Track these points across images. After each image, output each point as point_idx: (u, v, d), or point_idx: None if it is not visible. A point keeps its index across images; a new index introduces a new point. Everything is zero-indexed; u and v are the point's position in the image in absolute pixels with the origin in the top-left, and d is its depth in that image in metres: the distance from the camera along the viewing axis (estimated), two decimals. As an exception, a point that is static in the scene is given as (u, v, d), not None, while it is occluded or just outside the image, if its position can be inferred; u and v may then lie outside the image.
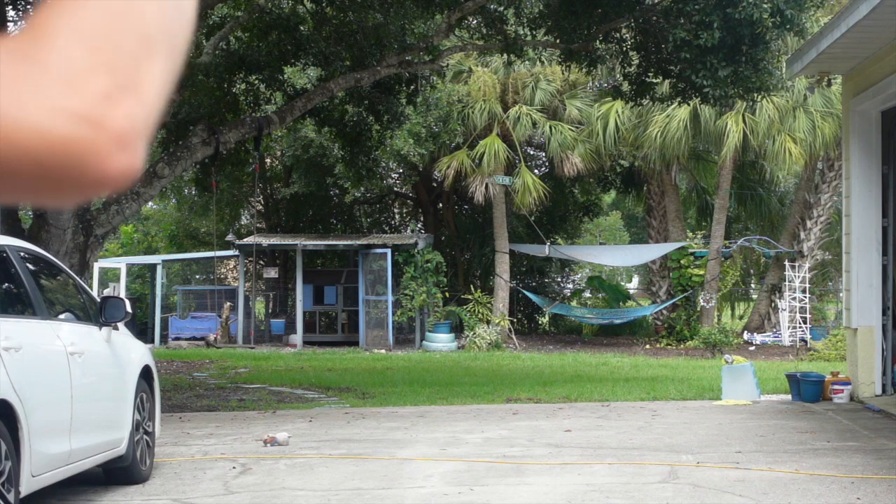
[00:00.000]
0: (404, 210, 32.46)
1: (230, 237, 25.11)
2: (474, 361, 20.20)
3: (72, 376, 6.64)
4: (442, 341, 23.16)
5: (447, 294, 24.69)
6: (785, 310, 23.98)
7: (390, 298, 23.05)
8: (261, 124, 13.22)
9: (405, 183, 29.02)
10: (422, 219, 29.95)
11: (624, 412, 11.85)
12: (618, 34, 14.34)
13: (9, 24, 13.92)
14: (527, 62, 22.95)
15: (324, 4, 14.69)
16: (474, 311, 24.24)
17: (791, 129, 22.49)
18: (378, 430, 10.50)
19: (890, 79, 11.02)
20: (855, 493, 7.15)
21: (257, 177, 21.42)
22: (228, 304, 24.96)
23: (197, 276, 31.19)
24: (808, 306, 23.68)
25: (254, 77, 15.16)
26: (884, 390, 12.17)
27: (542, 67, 24.09)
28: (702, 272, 24.08)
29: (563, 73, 22.12)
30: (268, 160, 27.44)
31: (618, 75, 17.83)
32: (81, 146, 0.67)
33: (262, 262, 27.05)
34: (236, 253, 24.96)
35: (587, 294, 30.56)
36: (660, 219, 25.95)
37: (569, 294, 30.32)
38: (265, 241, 24.63)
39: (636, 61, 14.44)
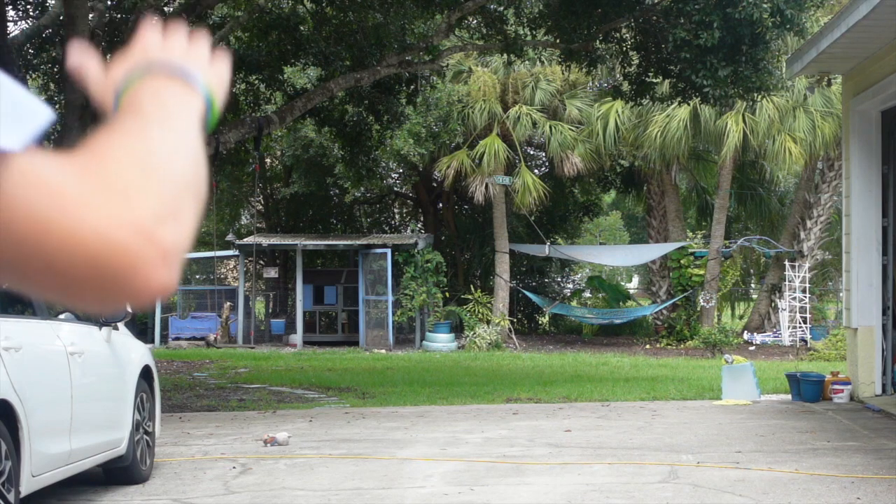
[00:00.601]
0: (404, 210, 32.47)
1: (230, 237, 25.12)
2: (474, 361, 20.20)
3: (72, 376, 6.65)
4: (442, 341, 23.17)
5: (447, 294, 24.69)
6: (785, 310, 23.98)
7: (390, 298, 23.05)
8: (261, 124, 13.22)
9: (405, 183, 29.02)
10: (422, 219, 29.95)
11: (624, 412, 11.85)
12: (618, 34, 14.34)
13: (9, 23, 13.92)
14: (527, 62, 22.96)
15: (324, 4, 14.69)
16: (474, 311, 24.24)
17: (791, 129, 22.49)
18: (378, 429, 10.50)
19: (890, 79, 11.02)
20: (855, 492, 7.15)
21: (257, 177, 21.45)
22: (228, 304, 24.96)
23: (197, 276, 31.19)
24: (808, 306, 23.68)
25: (254, 77, 15.17)
26: (884, 390, 12.17)
27: (542, 67, 24.10)
28: (702, 272, 24.08)
29: (563, 73, 22.12)
30: (268, 160, 27.44)
31: (618, 75, 17.84)
32: (134, 255, 0.74)
33: (262, 262, 27.05)
34: (236, 253, 24.96)
35: (587, 294, 30.56)
36: (660, 219, 25.95)
37: (569, 294, 30.32)
38: (265, 240, 24.64)
39: (636, 61, 14.45)
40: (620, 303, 27.99)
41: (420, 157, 22.85)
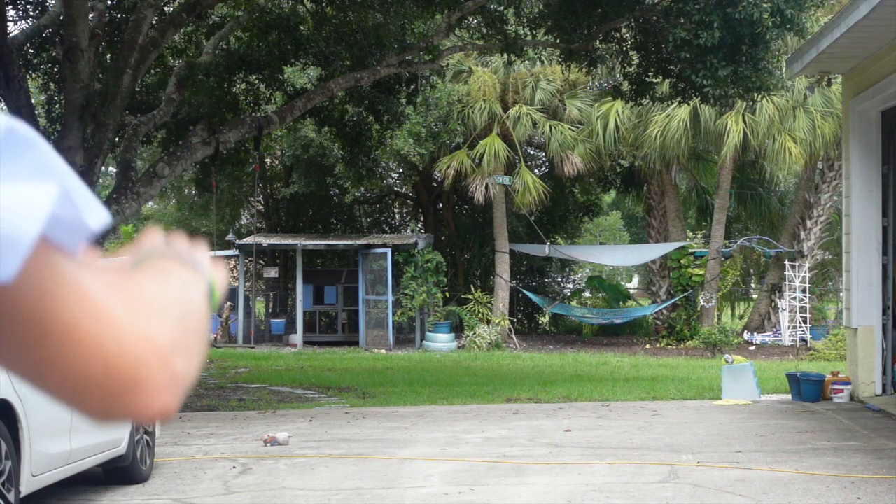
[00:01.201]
0: (404, 210, 32.47)
1: (230, 237, 25.12)
2: (474, 361, 20.20)
3: (72, 376, 6.63)
4: (442, 341, 23.17)
5: (447, 294, 24.69)
6: (785, 309, 23.98)
7: (390, 298, 23.06)
8: (261, 124, 13.22)
9: (405, 183, 29.02)
10: (422, 219, 29.95)
11: (624, 412, 11.85)
12: (618, 34, 14.34)
13: (9, 23, 13.92)
14: (527, 62, 22.95)
15: (324, 4, 14.69)
16: (474, 310, 24.24)
17: (791, 129, 22.49)
18: (378, 429, 10.50)
19: (890, 78, 11.02)
20: (855, 492, 7.15)
21: (257, 176, 21.44)
22: (228, 303, 24.97)
23: (197, 276, 31.18)
24: (808, 306, 23.68)
25: (254, 77, 15.16)
26: (884, 390, 12.17)
27: (542, 67, 24.09)
28: (702, 272, 24.09)
29: (563, 73, 22.11)
30: (268, 160, 27.44)
31: (618, 75, 17.83)
32: (146, 370, 0.78)
33: (262, 262, 27.05)
34: (236, 253, 24.96)
35: (587, 294, 30.56)
36: (660, 219, 25.95)
37: (569, 294, 30.32)
38: (265, 240, 24.64)
39: (636, 61, 14.44)
40: (620, 303, 27.99)
41: (420, 157, 22.84)
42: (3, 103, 15.92)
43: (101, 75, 12.48)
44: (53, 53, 14.60)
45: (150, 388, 0.78)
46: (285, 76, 16.21)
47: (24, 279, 0.73)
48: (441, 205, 28.94)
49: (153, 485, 7.75)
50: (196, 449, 9.35)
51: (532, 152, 28.08)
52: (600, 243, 36.61)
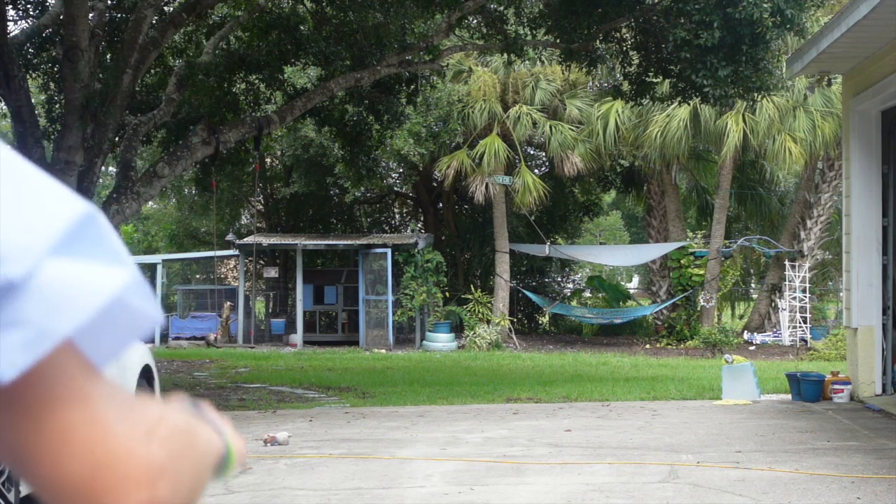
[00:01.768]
0: (404, 210, 32.47)
1: (230, 237, 25.12)
2: (474, 361, 20.20)
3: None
4: (442, 341, 23.17)
5: (447, 294, 24.69)
6: (785, 309, 23.98)
7: (390, 298, 23.06)
8: (261, 124, 13.22)
9: (405, 183, 29.02)
10: (422, 218, 29.95)
11: (624, 412, 11.85)
12: (618, 34, 14.34)
13: (9, 23, 13.91)
14: (527, 62, 22.96)
15: (324, 4, 14.69)
16: (474, 310, 24.24)
17: (791, 129, 22.49)
18: (378, 429, 10.50)
19: (890, 78, 11.02)
20: (855, 492, 7.15)
21: (257, 176, 21.44)
22: (228, 303, 24.97)
23: (197, 276, 31.20)
24: (808, 306, 23.68)
25: (254, 77, 15.16)
26: (884, 390, 12.17)
27: (542, 67, 24.10)
28: (702, 272, 24.09)
29: (563, 73, 22.13)
30: (268, 160, 27.44)
31: (618, 75, 17.84)
32: (130, 484, 0.76)
33: (262, 262, 27.06)
34: (236, 252, 24.97)
35: (587, 294, 30.57)
36: (660, 218, 25.96)
37: (569, 294, 30.33)
38: (265, 240, 24.64)
39: (636, 61, 14.45)
40: (620, 303, 28.00)
41: (420, 156, 22.85)
42: (3, 103, 15.92)
43: (101, 75, 12.48)
44: (53, 53, 14.61)
45: (124, 497, 0.76)
46: (285, 76, 16.22)
47: (31, 378, 0.72)
48: (441, 205, 28.94)
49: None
50: (196, 449, 9.34)
51: (532, 152, 28.08)
52: (600, 243, 36.62)
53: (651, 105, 21.18)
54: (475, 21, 16.09)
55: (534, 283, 28.62)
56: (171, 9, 14.66)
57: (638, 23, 13.61)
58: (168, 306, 26.89)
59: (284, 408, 12.79)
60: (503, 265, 24.74)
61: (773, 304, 25.61)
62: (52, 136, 13.71)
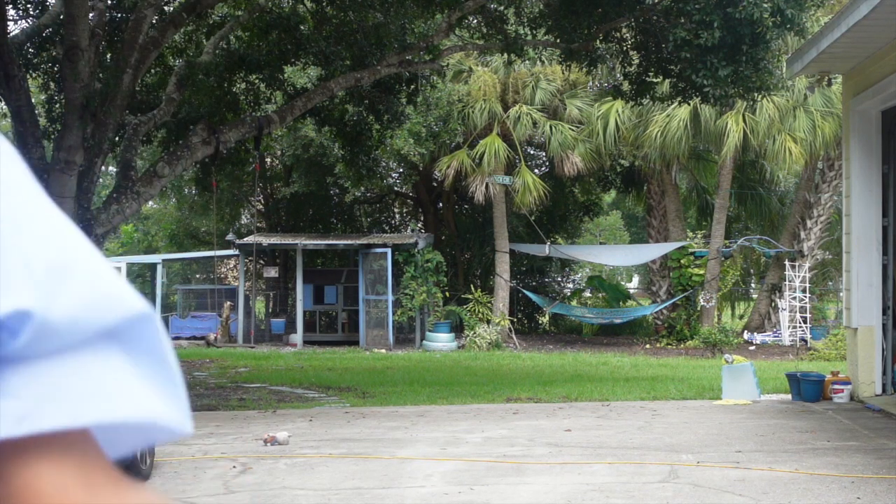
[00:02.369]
0: (404, 210, 32.46)
1: (230, 236, 25.12)
2: (474, 361, 20.20)
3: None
4: (442, 341, 23.17)
5: (447, 294, 24.69)
6: (785, 309, 23.98)
7: (390, 298, 23.06)
8: (261, 124, 13.22)
9: (405, 182, 29.02)
10: (422, 218, 29.95)
11: (624, 412, 11.85)
12: (618, 34, 14.34)
13: (9, 23, 13.91)
14: (527, 62, 22.95)
15: (324, 4, 14.69)
16: (474, 310, 24.24)
17: (791, 129, 22.49)
18: (378, 429, 10.50)
19: (890, 78, 11.02)
20: (855, 492, 7.15)
21: (257, 176, 21.43)
22: (228, 303, 24.97)
23: (197, 276, 31.19)
24: (808, 306, 23.68)
25: (254, 76, 15.16)
26: (884, 390, 12.17)
27: (542, 67, 24.09)
28: (702, 272, 24.09)
29: (563, 73, 22.12)
30: (268, 159, 27.44)
31: (618, 75, 17.83)
32: None
33: (262, 262, 27.05)
34: (236, 252, 24.97)
35: (587, 294, 30.56)
36: (660, 218, 25.95)
37: (569, 294, 30.33)
38: (265, 240, 24.64)
39: (636, 61, 14.44)
40: (620, 302, 27.99)
41: (420, 156, 22.84)
42: (3, 103, 15.93)
43: (101, 75, 12.48)
44: (53, 53, 14.60)
45: None
46: (285, 76, 16.21)
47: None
48: (441, 204, 28.94)
49: (153, 484, 7.75)
50: (196, 448, 9.35)
51: (532, 152, 28.08)
52: (600, 243, 36.61)
53: (651, 105, 21.18)
54: (475, 21, 16.08)
55: (534, 283, 28.62)
56: (171, 8, 14.66)
57: (638, 23, 13.61)
58: (168, 306, 26.88)
59: (284, 408, 12.79)
60: (503, 265, 24.74)
61: (773, 304, 25.60)
62: (52, 136, 13.70)
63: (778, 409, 11.78)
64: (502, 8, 14.99)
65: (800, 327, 23.47)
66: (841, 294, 15.27)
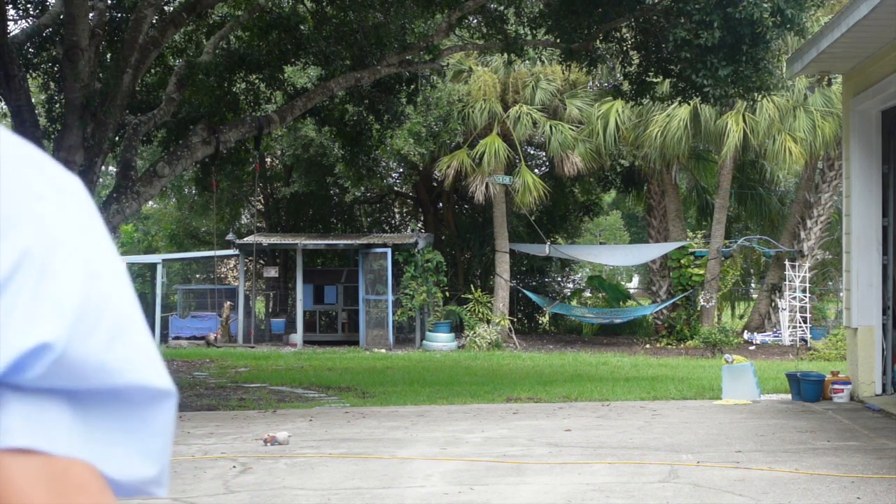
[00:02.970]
0: (404, 209, 32.47)
1: (230, 236, 25.12)
2: (474, 361, 20.20)
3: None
4: (442, 341, 23.17)
5: (447, 293, 24.69)
6: (785, 309, 23.98)
7: (390, 298, 23.06)
8: (261, 124, 13.22)
9: (405, 182, 29.02)
10: (422, 218, 29.95)
11: (624, 412, 11.85)
12: (618, 34, 14.34)
13: (9, 23, 13.91)
14: (527, 62, 22.95)
15: (324, 4, 14.69)
16: (474, 310, 24.24)
17: (791, 129, 22.49)
18: (378, 429, 10.50)
19: (890, 78, 11.02)
20: (855, 492, 7.15)
21: (257, 176, 21.42)
22: (228, 303, 24.97)
23: (197, 276, 31.19)
24: (808, 306, 23.68)
25: (254, 76, 15.16)
26: (884, 390, 12.17)
27: (542, 67, 24.09)
28: (702, 272, 24.09)
29: (563, 73, 22.12)
30: (268, 159, 27.44)
31: (618, 75, 17.84)
32: None
33: (262, 262, 27.06)
34: (236, 252, 24.97)
35: (587, 293, 30.57)
36: (660, 218, 25.95)
37: (569, 293, 30.33)
38: (265, 240, 24.64)
39: (636, 61, 14.44)
40: (620, 302, 27.99)
41: (420, 156, 22.84)
42: (3, 102, 15.92)
43: (101, 75, 12.48)
44: (54, 53, 14.61)
45: None
46: (285, 76, 16.21)
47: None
48: (441, 204, 28.94)
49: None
50: (196, 448, 9.35)
51: (532, 152, 28.08)
52: (600, 243, 36.62)
53: (651, 105, 21.18)
54: (475, 21, 16.08)
55: (534, 283, 28.62)
56: (172, 8, 14.66)
57: (638, 22, 13.61)
58: (168, 306, 26.88)
59: (284, 407, 12.79)
60: (503, 265, 24.74)
61: (773, 304, 25.60)
62: (52, 136, 13.70)
63: (778, 409, 11.78)
64: (502, 8, 14.99)
65: (800, 327, 23.47)
66: (841, 294, 15.28)
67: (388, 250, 23.21)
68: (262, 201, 29.58)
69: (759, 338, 24.51)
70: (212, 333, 24.23)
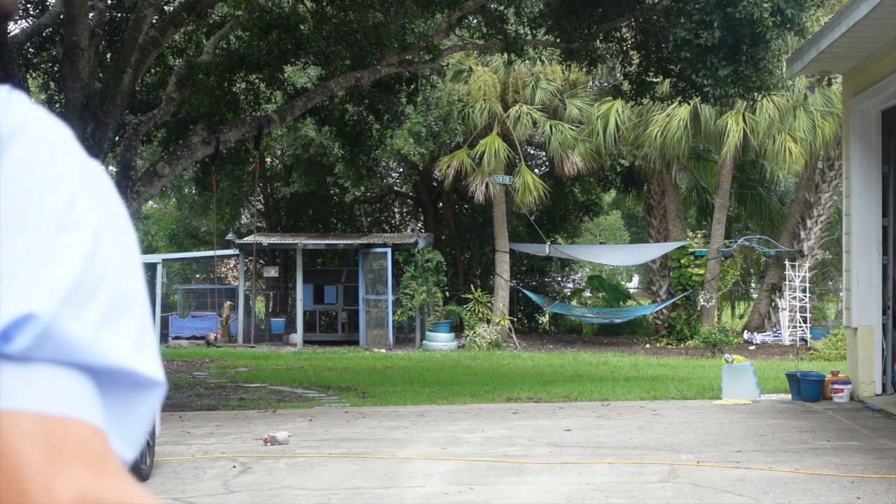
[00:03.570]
0: (404, 209, 32.46)
1: (230, 236, 25.12)
2: (474, 361, 20.20)
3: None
4: (442, 341, 23.16)
5: (447, 293, 24.69)
6: (785, 309, 23.98)
7: (390, 298, 23.05)
8: (261, 123, 13.21)
9: (405, 182, 29.02)
10: (422, 218, 29.95)
11: (624, 411, 11.85)
12: (618, 33, 14.34)
13: (9, 22, 13.89)
14: (527, 61, 22.95)
15: (324, 3, 14.68)
16: (474, 310, 24.24)
17: (791, 129, 22.49)
18: (378, 429, 10.50)
19: (890, 78, 11.02)
20: (855, 492, 7.15)
21: (257, 176, 21.42)
22: (228, 303, 24.97)
23: (197, 276, 31.20)
24: (808, 306, 23.68)
25: (254, 76, 15.16)
26: (884, 390, 12.17)
27: (542, 67, 24.09)
28: (702, 271, 24.09)
29: (563, 73, 22.12)
30: (268, 159, 27.44)
31: (618, 74, 17.83)
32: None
33: (262, 262, 27.05)
34: (236, 252, 24.97)
35: (587, 293, 30.56)
36: (660, 218, 25.95)
37: (569, 293, 30.32)
38: (265, 240, 24.64)
39: (636, 60, 14.44)
40: (620, 302, 27.99)
41: (420, 156, 22.84)
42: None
43: (101, 74, 12.48)
44: (53, 52, 14.60)
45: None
46: (285, 75, 16.21)
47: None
48: (441, 204, 28.94)
49: (153, 484, 7.75)
50: (196, 448, 9.35)
51: (532, 152, 28.08)
52: (600, 243, 36.62)
53: (651, 105, 21.18)
54: (475, 21, 16.08)
55: (534, 283, 28.61)
56: (171, 8, 14.66)
57: (638, 22, 13.61)
58: (168, 306, 26.88)
59: (284, 407, 12.79)
60: (503, 265, 24.74)
61: (773, 304, 25.60)
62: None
63: (778, 409, 11.78)
64: (502, 8, 14.99)
65: (800, 327, 23.47)
66: (841, 294, 15.27)
67: (388, 250, 23.21)
68: (262, 201, 29.58)
69: (759, 338, 24.51)
70: (212, 333, 24.22)
